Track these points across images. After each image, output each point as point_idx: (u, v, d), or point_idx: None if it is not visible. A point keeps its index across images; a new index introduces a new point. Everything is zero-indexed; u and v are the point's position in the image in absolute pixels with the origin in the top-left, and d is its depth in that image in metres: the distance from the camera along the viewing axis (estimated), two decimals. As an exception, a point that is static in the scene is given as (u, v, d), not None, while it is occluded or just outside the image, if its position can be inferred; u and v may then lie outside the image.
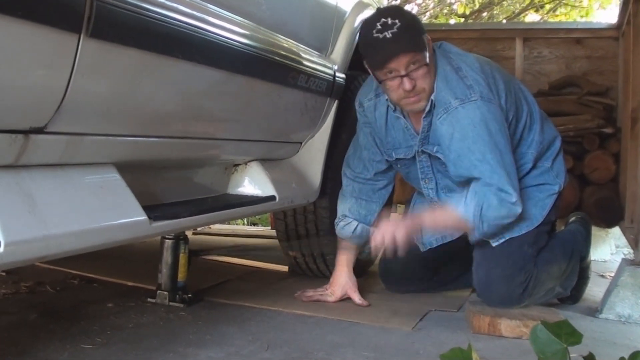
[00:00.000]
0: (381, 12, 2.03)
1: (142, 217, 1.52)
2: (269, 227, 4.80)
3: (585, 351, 1.43)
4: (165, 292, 2.19)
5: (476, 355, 1.37)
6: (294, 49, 2.11)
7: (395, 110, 2.20)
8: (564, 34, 4.32)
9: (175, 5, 1.45)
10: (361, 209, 2.39)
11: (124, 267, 2.73)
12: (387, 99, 2.19)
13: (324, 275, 2.71)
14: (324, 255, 2.68)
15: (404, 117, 2.19)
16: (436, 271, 2.55)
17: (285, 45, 2.05)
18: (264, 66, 1.90)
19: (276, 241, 2.87)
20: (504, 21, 8.92)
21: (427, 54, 2.02)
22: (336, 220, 2.42)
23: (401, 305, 2.34)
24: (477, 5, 9.22)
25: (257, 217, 5.73)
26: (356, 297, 2.31)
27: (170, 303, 2.17)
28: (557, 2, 9.09)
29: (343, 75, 2.49)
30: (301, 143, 2.47)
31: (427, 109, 2.09)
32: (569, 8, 9.14)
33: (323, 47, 2.41)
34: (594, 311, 2.39)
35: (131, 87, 1.45)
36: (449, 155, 2.08)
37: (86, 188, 1.44)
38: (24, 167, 1.28)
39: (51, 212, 1.28)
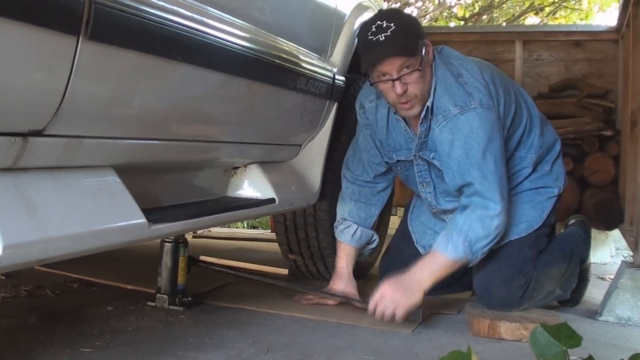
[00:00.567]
0: (378, 15, 2.04)
1: (141, 219, 1.52)
2: (269, 230, 4.79)
3: (585, 354, 1.42)
4: (164, 296, 2.18)
5: (476, 358, 1.37)
6: (294, 52, 2.11)
7: (395, 112, 2.20)
8: (563, 37, 4.33)
9: (174, 7, 1.45)
10: (361, 212, 2.39)
11: (123, 271, 2.72)
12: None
13: (323, 277, 2.71)
14: (323, 257, 2.67)
15: (404, 119, 2.19)
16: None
17: (284, 47, 2.06)
18: (263, 69, 1.90)
19: (276, 244, 2.87)
20: (504, 24, 8.93)
21: (422, 60, 2.01)
22: (335, 224, 2.42)
23: (401, 308, 2.33)
24: (477, 9, 9.22)
25: (257, 220, 5.73)
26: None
27: (170, 306, 2.17)
28: (557, 4, 9.09)
29: (343, 78, 2.49)
30: (301, 145, 2.47)
31: (423, 114, 2.09)
32: (568, 11, 9.15)
33: (322, 50, 2.41)
34: (593, 314, 2.39)
35: (130, 89, 1.45)
36: (448, 162, 2.08)
37: (85, 191, 1.43)
38: (22, 170, 1.28)
39: (50, 215, 1.28)
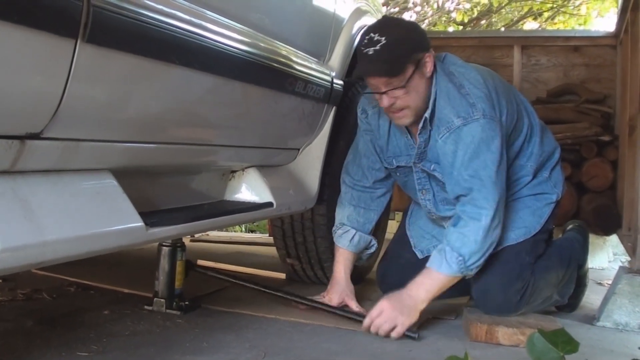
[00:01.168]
0: (375, 25, 2.05)
1: (139, 223, 1.51)
2: (267, 234, 4.79)
3: (583, 359, 1.42)
4: (162, 300, 2.18)
5: (473, 363, 1.37)
6: (292, 55, 2.11)
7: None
8: (562, 42, 4.33)
9: (172, 11, 1.45)
10: (359, 217, 2.38)
11: (120, 274, 2.72)
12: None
13: (321, 282, 2.70)
14: (321, 262, 2.67)
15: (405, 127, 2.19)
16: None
17: (282, 51, 2.06)
18: (261, 72, 1.90)
19: (274, 248, 2.86)
20: (503, 29, 8.95)
21: (411, 76, 2.00)
22: (334, 228, 2.41)
23: (398, 312, 2.33)
24: (476, 13, 9.24)
25: (254, 224, 5.73)
26: (353, 305, 2.30)
27: (167, 310, 2.17)
28: (556, 10, 9.12)
29: (341, 82, 2.49)
30: (299, 149, 2.47)
31: (421, 125, 2.09)
32: (567, 16, 9.17)
33: (321, 54, 2.41)
34: (591, 319, 2.39)
35: (128, 92, 1.45)
36: (451, 173, 2.08)
37: (82, 194, 1.43)
38: (20, 172, 1.28)
39: (47, 218, 1.28)
